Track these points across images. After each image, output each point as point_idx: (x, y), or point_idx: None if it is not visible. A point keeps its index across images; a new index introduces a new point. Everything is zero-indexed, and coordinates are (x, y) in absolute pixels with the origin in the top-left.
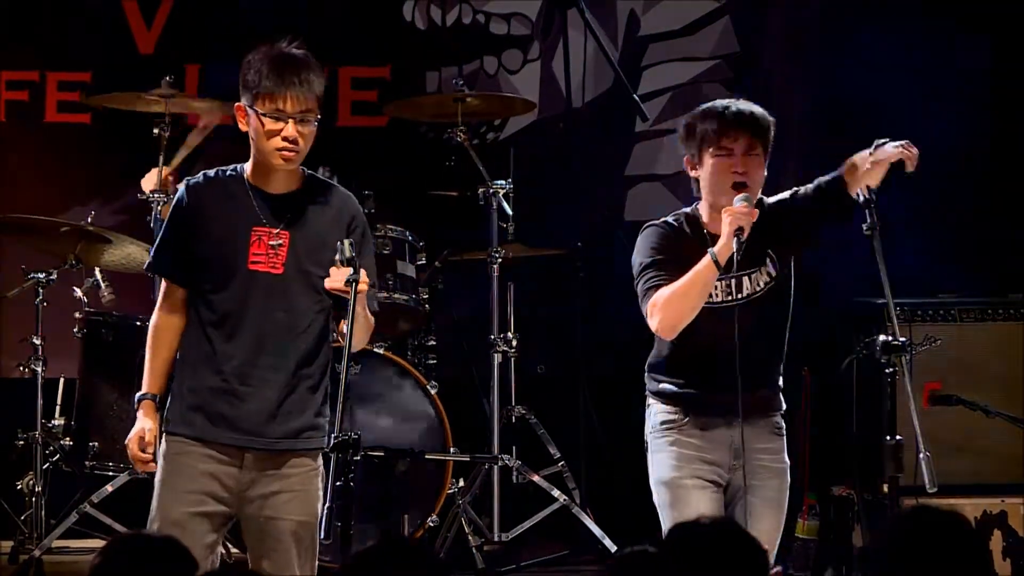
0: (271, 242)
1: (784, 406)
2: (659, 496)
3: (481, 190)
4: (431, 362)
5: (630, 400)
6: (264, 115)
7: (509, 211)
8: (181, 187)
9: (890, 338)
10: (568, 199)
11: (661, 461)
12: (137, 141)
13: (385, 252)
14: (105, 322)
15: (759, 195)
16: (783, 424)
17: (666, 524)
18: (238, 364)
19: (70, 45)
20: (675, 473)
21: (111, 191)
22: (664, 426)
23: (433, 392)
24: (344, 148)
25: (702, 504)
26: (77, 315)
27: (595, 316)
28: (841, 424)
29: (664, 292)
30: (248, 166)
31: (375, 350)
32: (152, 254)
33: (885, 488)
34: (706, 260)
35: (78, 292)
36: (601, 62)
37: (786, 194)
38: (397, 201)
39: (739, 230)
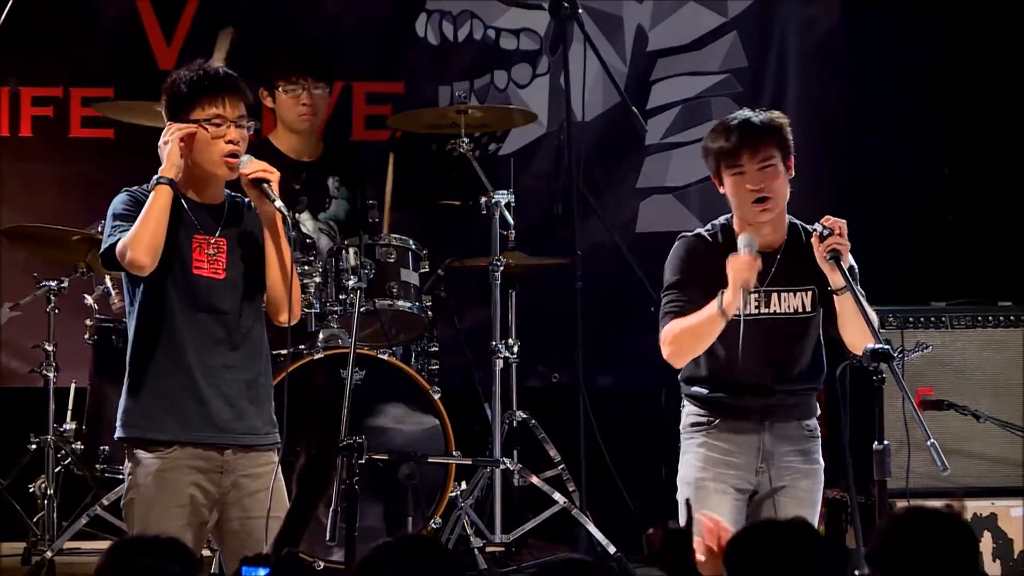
0: (208, 250)
1: (819, 411)
2: (681, 494)
3: (483, 199)
4: (434, 368)
5: (629, 407)
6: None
7: (511, 220)
8: (123, 194)
9: (877, 345)
10: (570, 210)
11: (688, 461)
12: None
13: (389, 260)
14: (115, 329)
15: (808, 226)
16: (817, 427)
17: (683, 521)
18: (195, 366)
19: (93, 61)
20: (699, 474)
21: None
22: (694, 428)
23: (436, 397)
24: (355, 161)
25: (722, 508)
26: (88, 322)
27: (595, 325)
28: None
29: (675, 327)
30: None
31: (380, 356)
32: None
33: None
34: (713, 309)
35: (88, 300)
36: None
37: None
38: (401, 211)
39: (745, 282)
